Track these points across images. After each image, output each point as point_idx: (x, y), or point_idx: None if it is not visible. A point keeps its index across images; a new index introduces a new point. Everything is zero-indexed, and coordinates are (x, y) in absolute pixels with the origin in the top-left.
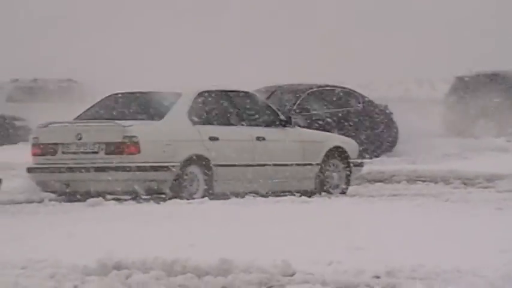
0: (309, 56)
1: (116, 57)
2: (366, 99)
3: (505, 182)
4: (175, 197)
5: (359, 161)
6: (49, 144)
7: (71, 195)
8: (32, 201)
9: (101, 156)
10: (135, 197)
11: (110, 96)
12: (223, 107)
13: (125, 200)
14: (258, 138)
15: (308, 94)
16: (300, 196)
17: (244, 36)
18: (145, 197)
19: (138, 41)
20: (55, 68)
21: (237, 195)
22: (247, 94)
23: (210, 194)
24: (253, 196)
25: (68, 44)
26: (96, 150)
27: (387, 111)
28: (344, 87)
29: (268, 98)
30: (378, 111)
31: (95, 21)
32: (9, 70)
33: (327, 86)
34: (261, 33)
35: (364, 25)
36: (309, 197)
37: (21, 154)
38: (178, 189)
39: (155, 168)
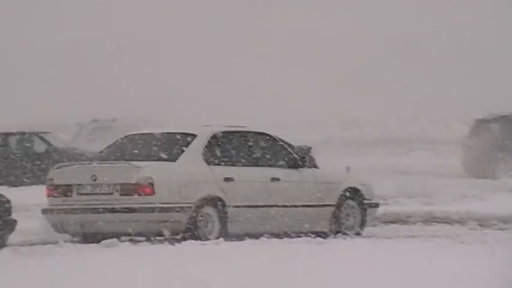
0: (322, 93)
1: (191, 96)
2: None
3: None
4: (190, 238)
5: (374, 202)
6: (64, 185)
7: (86, 236)
8: (46, 243)
9: (116, 197)
10: (149, 238)
11: (125, 137)
12: (238, 147)
13: (140, 241)
14: (272, 179)
15: None
16: (315, 237)
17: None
18: (160, 238)
19: (209, 79)
20: (133, 107)
21: (251, 236)
22: (262, 134)
23: (225, 234)
24: (268, 237)
25: (144, 84)
26: (111, 191)
27: (308, 154)
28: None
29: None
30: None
31: (166, 62)
32: (90, 110)
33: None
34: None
35: (380, 63)
36: (324, 238)
37: None
38: (192, 230)
39: (170, 209)
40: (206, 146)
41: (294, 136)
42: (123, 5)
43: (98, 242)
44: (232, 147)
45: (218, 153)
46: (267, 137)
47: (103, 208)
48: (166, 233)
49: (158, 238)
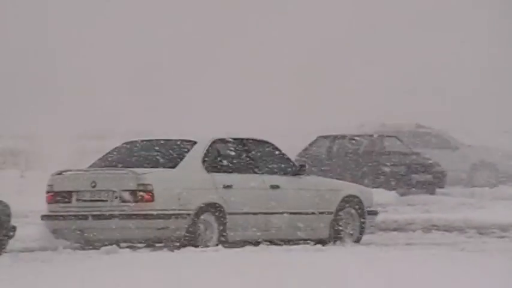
0: (315, 105)
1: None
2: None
3: None
4: (189, 245)
5: (373, 209)
6: (64, 192)
7: (85, 242)
8: (46, 249)
9: (115, 204)
10: (149, 244)
11: (125, 143)
12: (238, 154)
13: (139, 247)
14: (272, 187)
15: None
16: (314, 244)
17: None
18: (159, 244)
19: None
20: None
21: (250, 243)
22: (262, 142)
23: (224, 241)
24: (267, 244)
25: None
26: (110, 198)
27: None
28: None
29: None
30: None
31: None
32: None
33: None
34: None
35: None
36: (323, 245)
37: None
38: (192, 237)
39: (169, 216)
40: (206, 153)
41: (291, 144)
42: None
43: (98, 248)
44: (232, 154)
45: (218, 160)
46: (267, 145)
47: (102, 215)
48: (165, 239)
49: (158, 245)
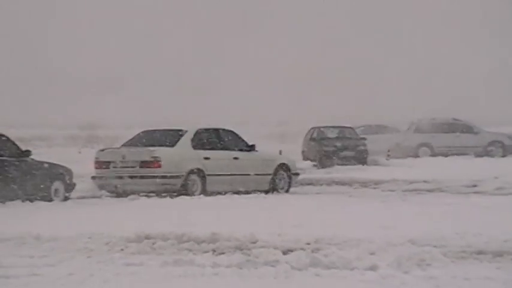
0: (262, 99)
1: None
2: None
3: (386, 184)
4: (182, 195)
5: (296, 172)
6: (105, 161)
7: (118, 193)
8: (94, 197)
9: (137, 169)
10: (157, 194)
11: (143, 132)
12: (213, 138)
13: (151, 196)
14: (234, 158)
15: None
16: (260, 194)
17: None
18: (164, 194)
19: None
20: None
21: (221, 193)
22: (228, 130)
23: (204, 192)
24: (231, 194)
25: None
26: (134, 165)
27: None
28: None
29: None
30: None
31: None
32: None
33: None
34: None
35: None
36: (265, 194)
37: None
38: (184, 190)
39: (170, 177)
40: (193, 137)
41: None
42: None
43: (126, 197)
44: (209, 138)
45: (200, 142)
46: (231, 132)
47: (129, 176)
48: (167, 191)
49: (163, 194)
